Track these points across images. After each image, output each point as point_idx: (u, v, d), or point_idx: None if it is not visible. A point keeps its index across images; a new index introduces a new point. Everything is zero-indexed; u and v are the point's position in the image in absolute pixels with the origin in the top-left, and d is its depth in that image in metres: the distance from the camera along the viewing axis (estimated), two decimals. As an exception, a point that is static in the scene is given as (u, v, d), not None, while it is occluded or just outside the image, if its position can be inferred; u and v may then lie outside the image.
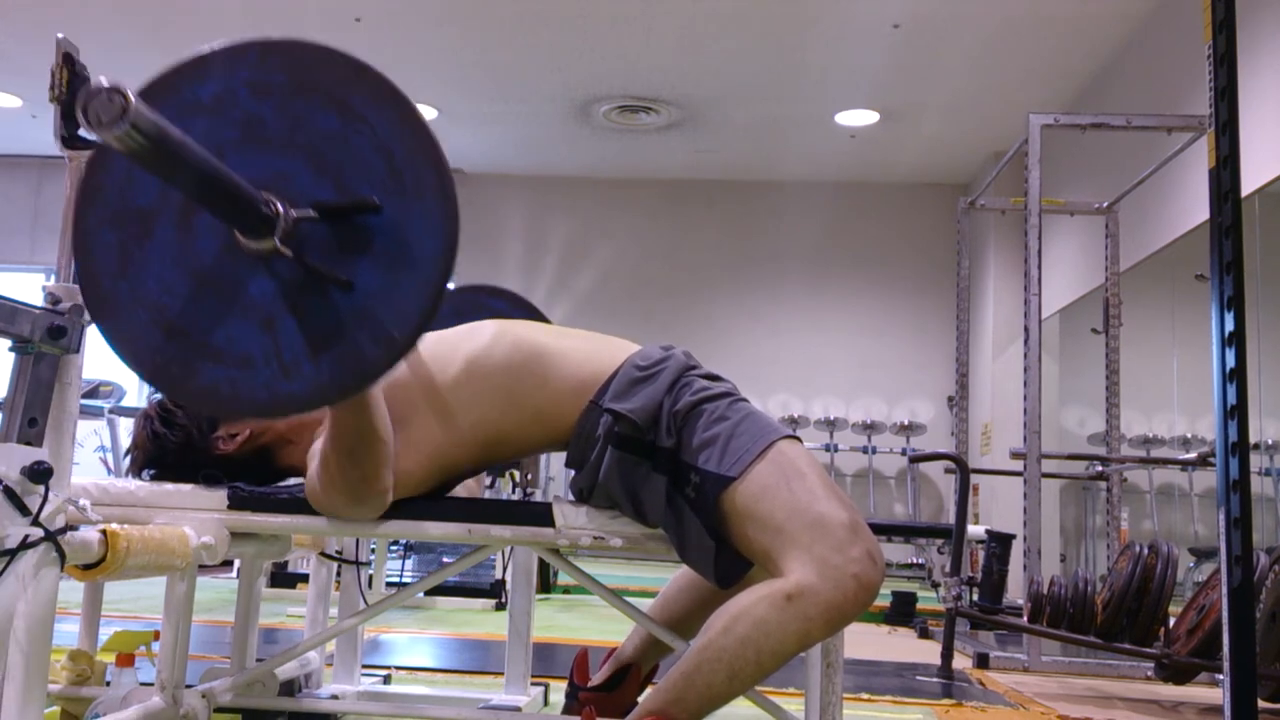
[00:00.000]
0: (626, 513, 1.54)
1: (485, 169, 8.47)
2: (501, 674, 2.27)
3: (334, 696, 2.12)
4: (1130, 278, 4.85)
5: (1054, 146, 4.20)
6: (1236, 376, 1.65)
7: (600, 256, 8.49)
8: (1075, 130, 4.05)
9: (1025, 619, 3.31)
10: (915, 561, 7.40)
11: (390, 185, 1.16)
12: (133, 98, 0.92)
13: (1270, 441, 4.63)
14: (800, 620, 1.32)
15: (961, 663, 3.56)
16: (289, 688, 2.01)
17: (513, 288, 2.33)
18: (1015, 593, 4.47)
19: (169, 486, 1.58)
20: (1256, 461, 4.53)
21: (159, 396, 1.68)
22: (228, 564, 4.42)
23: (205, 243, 1.19)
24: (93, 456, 6.27)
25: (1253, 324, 1.70)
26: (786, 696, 2.45)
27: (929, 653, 3.77)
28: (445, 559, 5.71)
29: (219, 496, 1.56)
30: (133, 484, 1.59)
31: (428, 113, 7.07)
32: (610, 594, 1.66)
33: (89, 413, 5.61)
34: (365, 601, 2.16)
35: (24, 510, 1.14)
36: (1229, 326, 1.66)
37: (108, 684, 1.80)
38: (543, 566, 4.87)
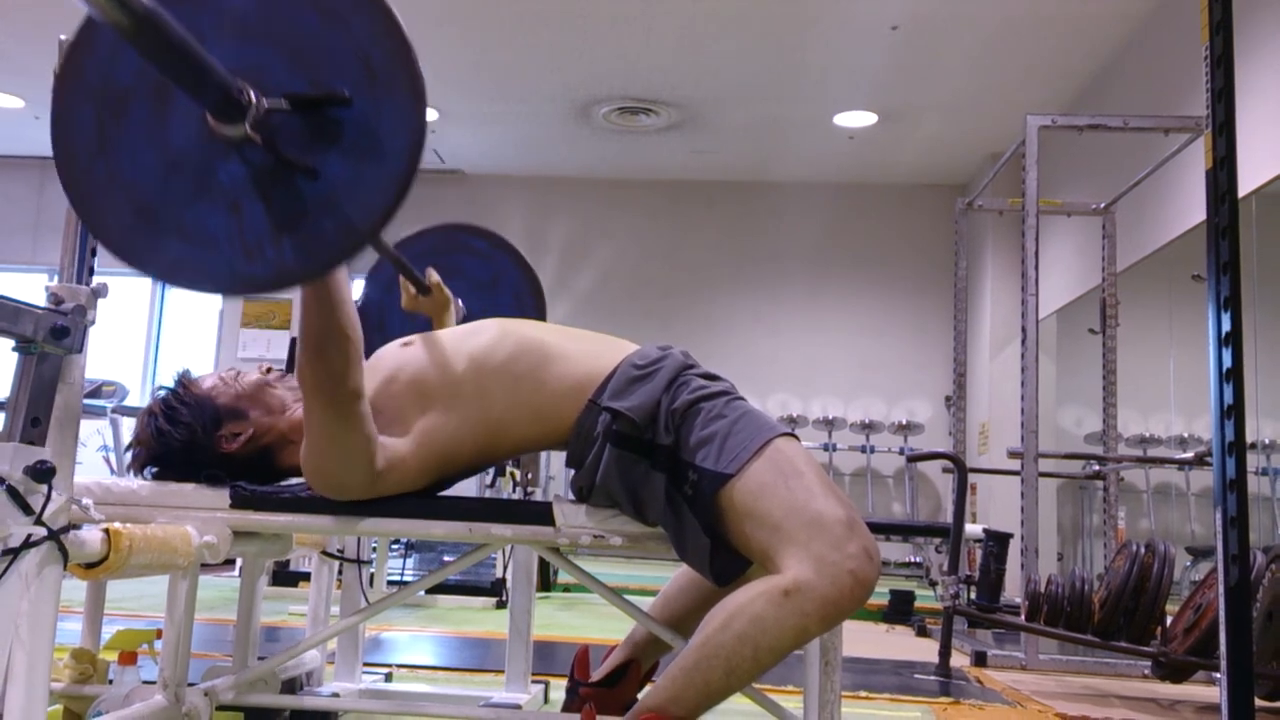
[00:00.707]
0: (626, 511, 1.55)
1: (485, 169, 8.48)
2: (502, 672, 2.28)
3: (335, 694, 2.13)
4: (1127, 278, 4.86)
5: (1051, 147, 4.21)
6: (1233, 376, 1.66)
7: (600, 256, 8.49)
8: (1073, 131, 4.06)
9: (1023, 617, 3.32)
10: (913, 560, 7.41)
11: (363, 82, 1.19)
12: None
13: (1267, 441, 4.64)
14: (797, 616, 1.33)
15: (959, 661, 3.56)
16: (291, 686, 2.02)
17: (512, 288, 2.34)
18: (1013, 591, 4.49)
19: (171, 486, 1.59)
20: (1253, 461, 4.54)
21: (163, 395, 1.69)
22: (230, 563, 4.43)
23: (180, 127, 1.22)
24: (95, 456, 6.28)
25: (1249, 324, 1.71)
26: (785, 694, 2.46)
27: (927, 651, 3.78)
28: (446, 558, 5.73)
29: (221, 495, 1.57)
30: (135, 483, 1.60)
31: (428, 114, 7.03)
32: (610, 592, 1.67)
33: (91, 412, 5.61)
34: (366, 600, 2.17)
35: (27, 509, 1.15)
36: (1226, 326, 1.67)
37: (110, 682, 1.81)
38: (543, 565, 4.88)
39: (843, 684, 1.56)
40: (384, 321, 2.22)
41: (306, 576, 4.28)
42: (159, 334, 8.86)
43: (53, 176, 1.22)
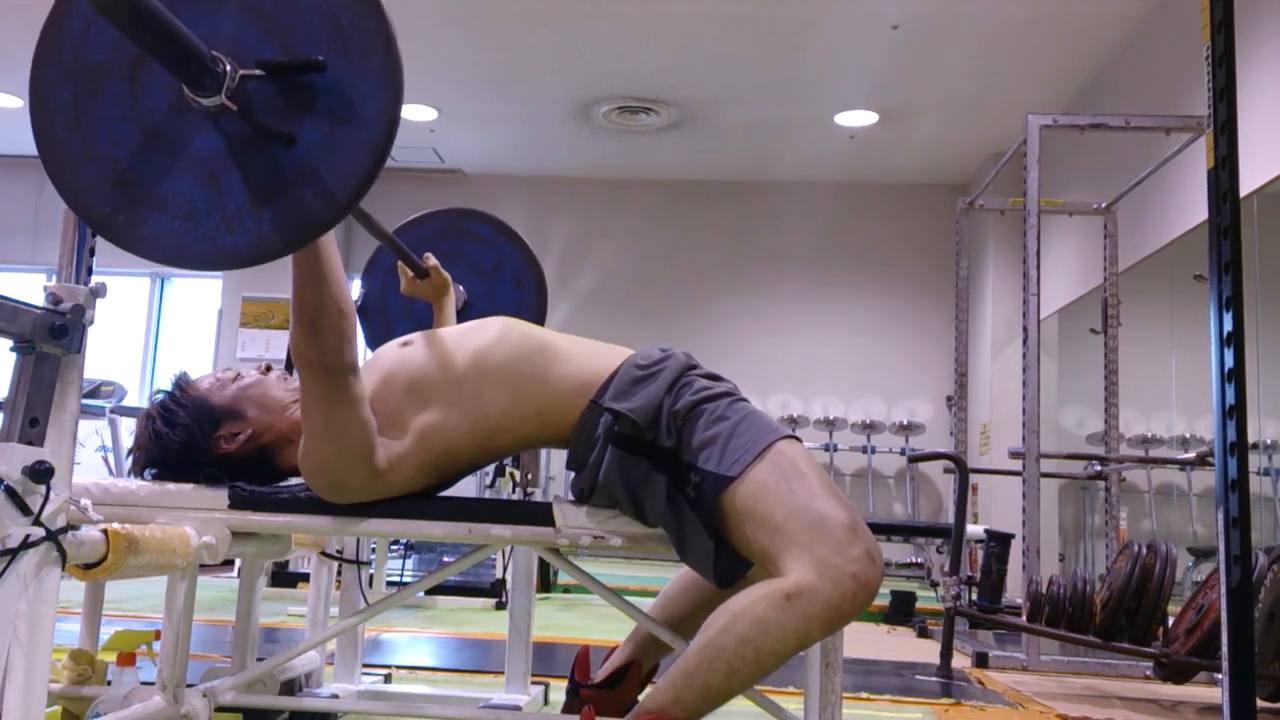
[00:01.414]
0: (627, 512, 1.55)
1: (485, 169, 8.47)
2: (502, 673, 2.28)
3: (334, 695, 2.12)
4: (1129, 278, 4.85)
5: (1053, 147, 4.20)
6: (1235, 376, 1.66)
7: (600, 256, 8.49)
8: (1074, 131, 4.05)
9: (1024, 618, 3.31)
10: (914, 561, 7.41)
11: (336, 47, 1.18)
12: None
13: (1269, 441, 4.64)
14: (799, 619, 1.33)
15: (960, 662, 3.56)
16: (290, 687, 2.02)
17: (513, 288, 2.34)
18: (1014, 592, 4.48)
19: (170, 486, 1.59)
20: (1255, 461, 4.53)
21: (162, 397, 1.68)
22: (229, 563, 4.43)
23: (155, 99, 1.22)
24: (94, 456, 6.28)
25: (1251, 324, 1.70)
26: (786, 695, 2.45)
27: (928, 652, 3.77)
28: (445, 558, 5.72)
29: (220, 496, 1.57)
30: (134, 483, 1.60)
31: (428, 113, 7.07)
32: (610, 593, 1.67)
33: (90, 412, 5.61)
34: (366, 601, 2.17)
35: (25, 510, 1.14)
36: (1228, 326, 1.67)
37: (109, 683, 1.80)
38: (543, 566, 4.88)
39: (844, 685, 1.56)
40: (385, 306, 2.23)
41: (305, 577, 4.28)
42: (158, 334, 8.86)
43: (52, 176, 1.22)
